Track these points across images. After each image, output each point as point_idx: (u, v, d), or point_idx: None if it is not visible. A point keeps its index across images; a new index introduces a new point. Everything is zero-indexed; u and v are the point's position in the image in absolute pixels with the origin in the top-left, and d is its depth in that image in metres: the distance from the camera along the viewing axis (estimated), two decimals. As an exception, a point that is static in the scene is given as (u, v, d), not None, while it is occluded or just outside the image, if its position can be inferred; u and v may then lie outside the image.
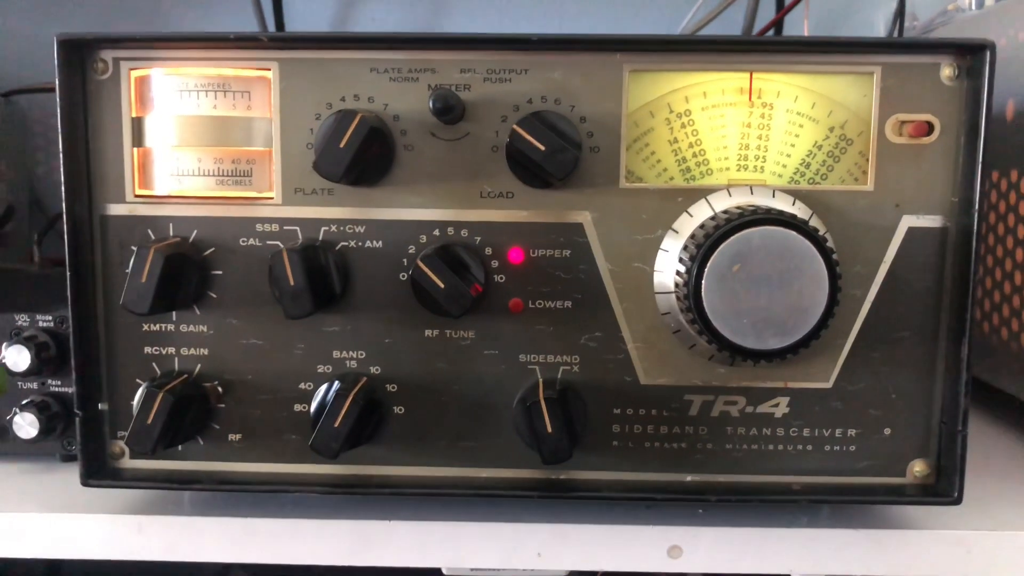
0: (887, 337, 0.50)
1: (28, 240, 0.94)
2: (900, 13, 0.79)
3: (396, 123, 0.49)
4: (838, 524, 0.52)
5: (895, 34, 0.80)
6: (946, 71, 0.49)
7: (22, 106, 0.98)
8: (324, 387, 0.51)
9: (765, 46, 0.50)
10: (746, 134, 0.50)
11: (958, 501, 0.50)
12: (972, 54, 0.48)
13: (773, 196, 0.49)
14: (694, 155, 0.50)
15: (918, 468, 0.51)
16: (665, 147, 0.50)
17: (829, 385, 0.51)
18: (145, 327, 0.51)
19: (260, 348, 0.51)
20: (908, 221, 0.50)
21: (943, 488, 0.51)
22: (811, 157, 0.50)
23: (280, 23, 1.02)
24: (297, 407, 0.52)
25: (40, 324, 0.57)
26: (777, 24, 0.94)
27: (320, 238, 0.50)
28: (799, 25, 0.93)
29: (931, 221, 0.50)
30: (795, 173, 0.50)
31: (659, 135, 0.50)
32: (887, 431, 0.51)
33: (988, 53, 0.47)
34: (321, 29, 1.07)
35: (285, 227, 0.50)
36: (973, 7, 0.77)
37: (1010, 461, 0.62)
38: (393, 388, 0.51)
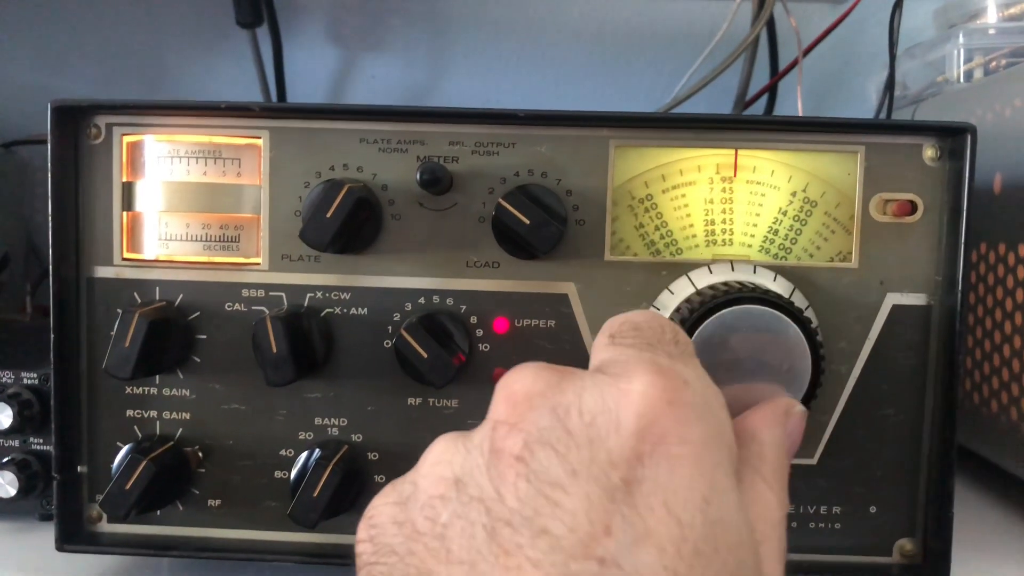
0: (872, 414, 0.50)
1: (23, 289, 0.94)
2: (890, 85, 0.81)
3: (384, 193, 0.50)
4: (824, 603, 0.51)
5: (885, 104, 0.82)
6: (928, 152, 0.49)
7: (22, 156, 0.99)
8: (305, 454, 0.50)
9: (751, 124, 0.51)
10: (726, 210, 0.50)
11: (945, 583, 0.49)
12: (954, 136, 0.48)
13: (754, 272, 0.49)
14: (682, 228, 0.50)
15: (905, 547, 0.51)
16: (650, 222, 0.50)
17: (814, 462, 0.50)
18: (128, 390, 0.51)
19: (242, 413, 0.51)
20: (893, 299, 0.50)
21: (931, 570, 0.50)
22: (797, 234, 0.50)
23: (280, 78, 1.03)
24: (277, 474, 0.51)
25: (24, 381, 0.57)
26: (771, 90, 0.95)
27: (305, 304, 0.50)
28: (792, 91, 0.94)
29: (915, 299, 0.50)
30: (780, 248, 0.50)
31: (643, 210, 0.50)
32: (872, 509, 0.51)
33: (969, 136, 0.47)
34: (321, 83, 1.08)
35: (271, 292, 0.50)
36: (961, 80, 0.78)
37: (998, 534, 0.61)
38: (375, 456, 0.51)
